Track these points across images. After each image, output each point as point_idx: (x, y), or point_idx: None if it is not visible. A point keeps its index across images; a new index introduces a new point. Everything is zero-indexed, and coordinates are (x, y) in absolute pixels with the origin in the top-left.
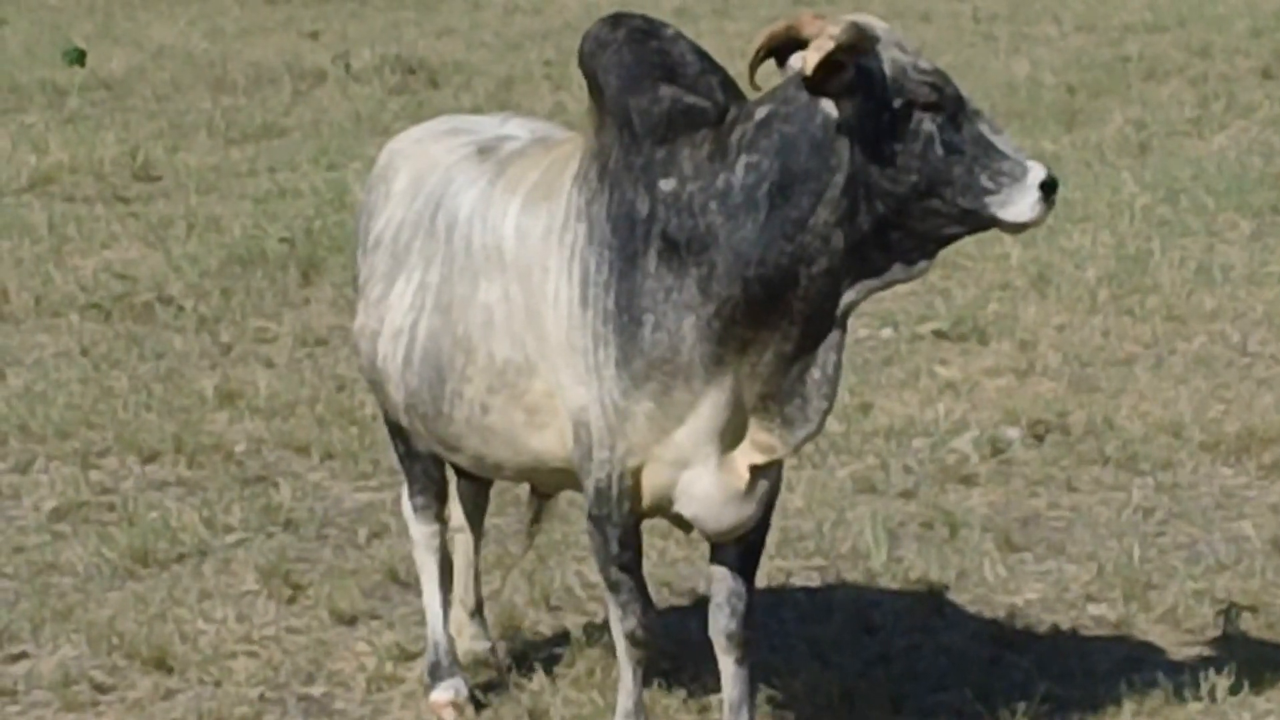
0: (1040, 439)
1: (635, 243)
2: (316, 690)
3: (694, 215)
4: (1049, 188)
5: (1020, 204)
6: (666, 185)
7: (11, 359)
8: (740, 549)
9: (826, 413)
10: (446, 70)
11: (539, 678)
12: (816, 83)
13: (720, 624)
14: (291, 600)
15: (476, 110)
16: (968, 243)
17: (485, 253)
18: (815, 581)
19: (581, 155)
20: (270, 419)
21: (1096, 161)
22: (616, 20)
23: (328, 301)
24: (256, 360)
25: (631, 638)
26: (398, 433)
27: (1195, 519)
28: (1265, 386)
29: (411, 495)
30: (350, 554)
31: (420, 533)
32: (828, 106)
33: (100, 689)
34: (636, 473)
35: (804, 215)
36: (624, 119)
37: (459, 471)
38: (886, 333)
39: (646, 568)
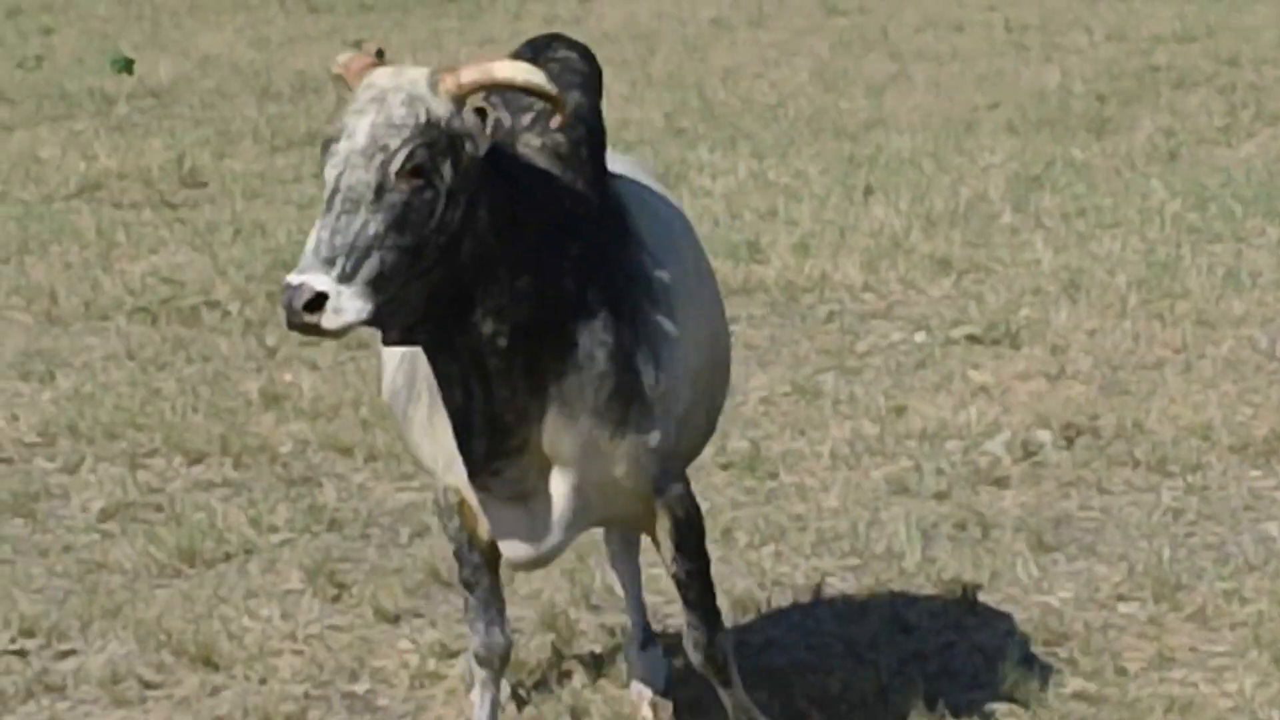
0: (1071, 441)
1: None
2: (360, 687)
3: None
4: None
5: None
6: None
7: (60, 361)
8: (677, 579)
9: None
10: None
11: (579, 676)
12: None
13: (691, 658)
14: (335, 599)
15: None
16: (1000, 249)
17: None
18: (851, 581)
19: None
20: (315, 421)
21: (1126, 169)
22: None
23: None
24: (301, 363)
25: (476, 657)
26: None
27: (1224, 520)
28: None
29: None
30: (393, 553)
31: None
32: None
33: (148, 685)
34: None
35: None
36: None
37: None
38: (920, 337)
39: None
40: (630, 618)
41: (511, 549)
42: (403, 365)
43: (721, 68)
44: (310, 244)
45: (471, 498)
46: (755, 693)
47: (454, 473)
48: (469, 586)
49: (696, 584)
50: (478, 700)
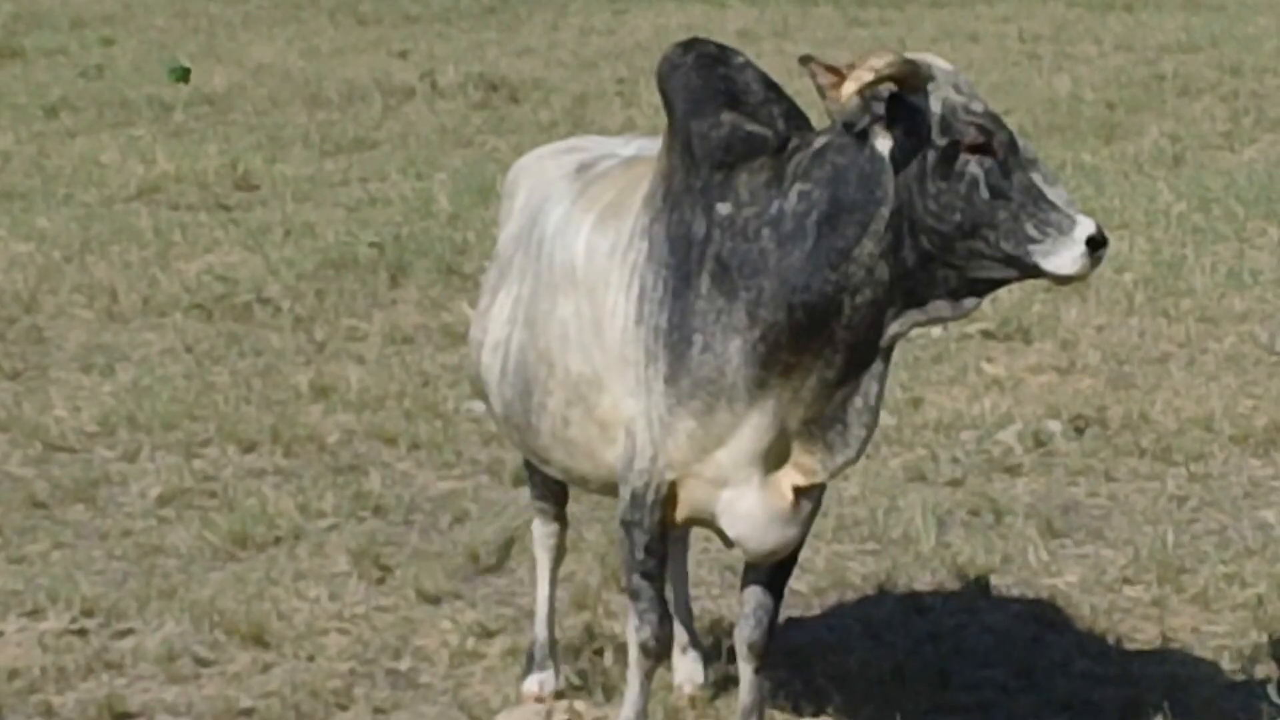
0: (1080, 432)
1: (690, 263)
2: (403, 665)
3: (747, 240)
4: (1096, 244)
5: (1064, 256)
6: (723, 209)
7: (120, 355)
8: (774, 565)
9: (866, 441)
10: (526, 87)
11: (610, 655)
12: (849, 111)
13: (745, 634)
14: (380, 581)
15: (553, 124)
16: None
17: (563, 269)
18: (869, 565)
19: (652, 176)
20: (361, 412)
21: (1134, 172)
22: (689, 45)
23: (414, 302)
24: (348, 357)
25: (644, 647)
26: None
27: (1225, 507)
28: None
29: (533, 498)
30: (435, 538)
31: (539, 532)
32: (877, 140)
33: (201, 663)
34: (673, 486)
35: (849, 245)
36: (686, 142)
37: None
38: (936, 331)
39: (712, 553)
40: (678, 617)
41: (758, 538)
42: (510, 379)
43: None
44: (1068, 199)
45: (745, 491)
46: (777, 670)
47: (705, 464)
48: (649, 579)
49: (790, 572)
50: (637, 690)
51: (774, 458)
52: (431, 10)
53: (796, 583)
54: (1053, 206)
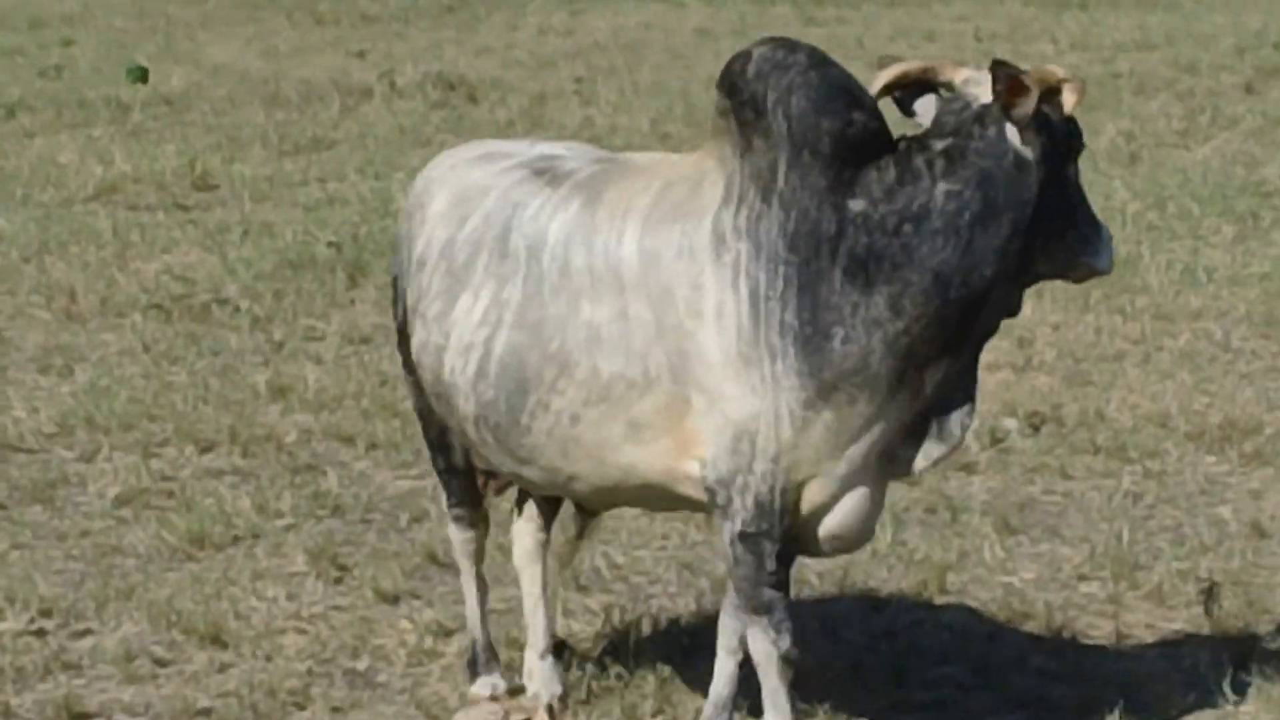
0: (1036, 429)
1: (820, 259)
2: (361, 664)
3: (886, 235)
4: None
5: (1106, 253)
6: (856, 205)
7: (78, 356)
8: None
9: (965, 433)
10: (484, 87)
11: (568, 654)
12: (1025, 118)
13: (736, 626)
14: (338, 580)
15: (510, 124)
16: None
17: (591, 275)
18: (825, 562)
19: (725, 177)
20: (319, 412)
21: (1089, 170)
22: (790, 45)
23: (372, 302)
24: (306, 357)
25: (788, 659)
26: (438, 447)
27: (1180, 504)
28: (1246, 380)
29: (449, 505)
30: (393, 537)
31: (458, 539)
32: (1016, 143)
33: (159, 663)
34: (799, 487)
35: (1003, 243)
36: (811, 140)
37: (521, 501)
38: None
39: (670, 551)
40: (539, 621)
41: (852, 535)
42: (493, 380)
43: (706, 76)
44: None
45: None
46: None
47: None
48: (780, 589)
49: None
50: (787, 705)
51: (889, 453)
52: (389, 10)
53: None
54: (1090, 206)
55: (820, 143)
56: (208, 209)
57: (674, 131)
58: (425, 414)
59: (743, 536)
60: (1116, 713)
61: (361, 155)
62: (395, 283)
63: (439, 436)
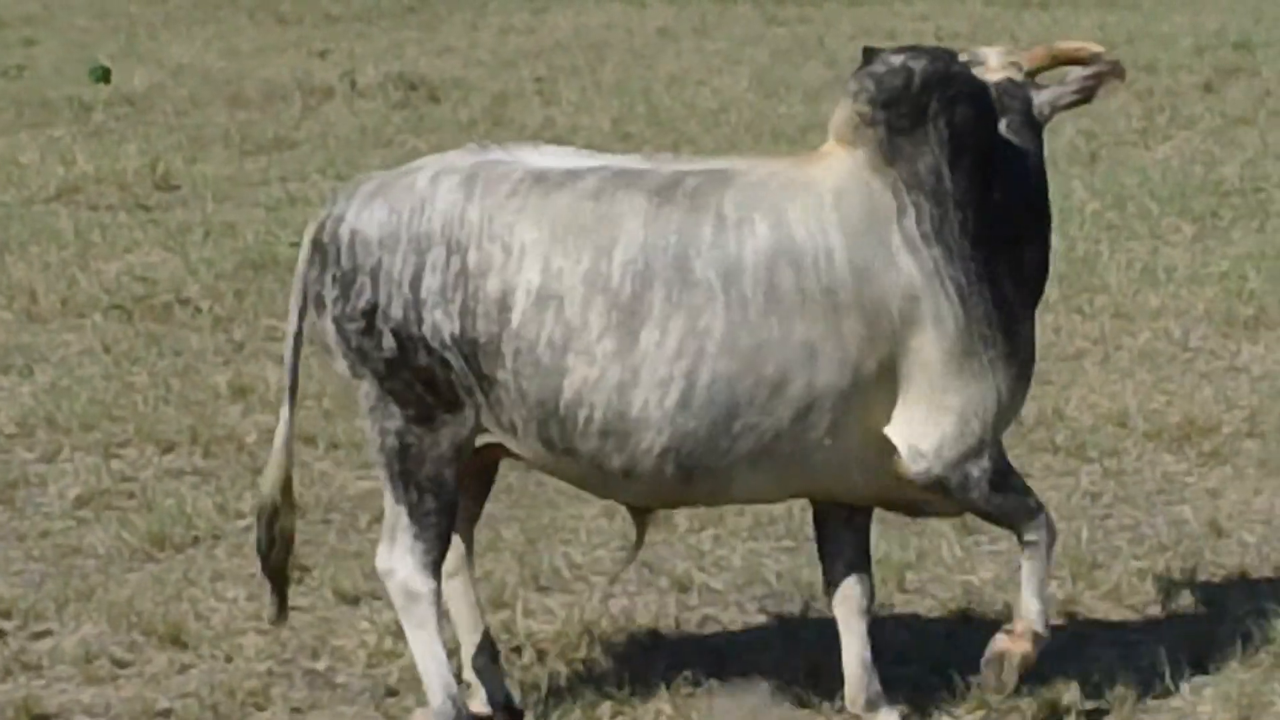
0: None
1: (996, 257)
2: (321, 665)
3: (1015, 224)
4: None
5: None
6: (1006, 196)
7: (39, 356)
8: (866, 528)
9: None
10: (446, 86)
11: (529, 653)
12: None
13: (864, 588)
14: (298, 581)
15: (472, 123)
16: None
17: (802, 294)
18: (784, 562)
19: (888, 185)
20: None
21: (1049, 169)
22: (951, 54)
23: None
24: (267, 357)
25: (1052, 529)
26: (428, 486)
27: (1139, 503)
28: (1205, 380)
29: (423, 553)
30: (353, 537)
31: (426, 589)
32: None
33: (119, 664)
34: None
35: (1050, 212)
36: (969, 143)
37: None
38: None
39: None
40: (474, 633)
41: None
42: (697, 410)
43: (667, 75)
44: None
45: None
46: (688, 670)
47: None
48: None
49: None
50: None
51: None
52: (351, 10)
53: (712, 580)
54: None
55: (979, 145)
56: (169, 209)
57: (636, 131)
58: (414, 451)
59: (994, 487)
60: (1074, 712)
61: (323, 155)
62: (372, 313)
63: (434, 474)
